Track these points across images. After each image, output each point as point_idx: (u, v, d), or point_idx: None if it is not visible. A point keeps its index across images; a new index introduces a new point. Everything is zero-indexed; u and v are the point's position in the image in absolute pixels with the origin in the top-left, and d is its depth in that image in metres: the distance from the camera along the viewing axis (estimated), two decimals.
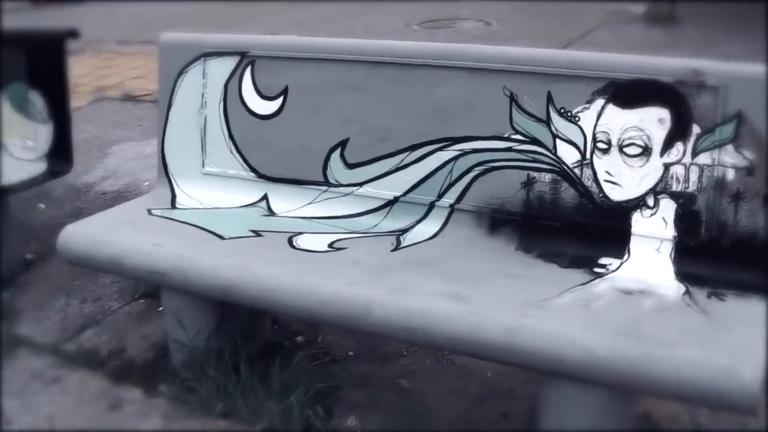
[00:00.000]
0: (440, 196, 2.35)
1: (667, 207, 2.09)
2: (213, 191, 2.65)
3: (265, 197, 2.59)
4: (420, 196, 2.38)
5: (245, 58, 2.57)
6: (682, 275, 2.04)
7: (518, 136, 2.22)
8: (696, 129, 2.03)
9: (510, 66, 2.21)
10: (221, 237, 2.35)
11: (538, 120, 2.19)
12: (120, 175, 4.10)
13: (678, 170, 2.06)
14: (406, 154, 2.37)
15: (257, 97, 2.57)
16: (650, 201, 2.10)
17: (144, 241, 2.33)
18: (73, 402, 2.38)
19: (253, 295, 2.12)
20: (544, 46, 2.41)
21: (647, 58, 2.10)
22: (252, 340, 2.49)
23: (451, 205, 2.34)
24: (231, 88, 2.60)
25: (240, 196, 2.61)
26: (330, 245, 2.28)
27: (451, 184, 2.33)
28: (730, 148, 2.00)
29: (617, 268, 2.10)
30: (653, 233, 2.10)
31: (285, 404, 2.22)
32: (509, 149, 2.24)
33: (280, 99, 2.54)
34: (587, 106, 2.13)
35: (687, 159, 2.05)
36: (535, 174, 2.22)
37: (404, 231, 2.36)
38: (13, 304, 2.88)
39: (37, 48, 2.95)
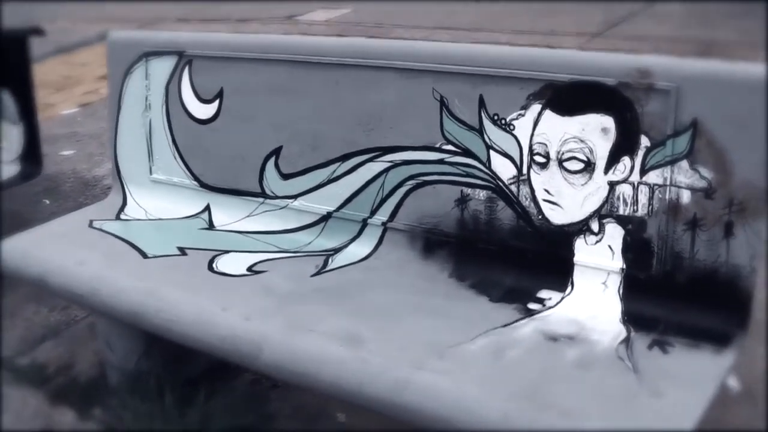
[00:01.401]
0: (373, 212, 2.05)
1: (614, 233, 1.72)
2: (160, 200, 2.45)
3: (207, 208, 2.37)
4: (353, 212, 2.09)
5: (183, 58, 2.33)
6: (629, 316, 1.68)
7: (450, 147, 1.90)
8: (645, 141, 1.65)
9: (438, 65, 1.87)
10: (145, 255, 2.15)
11: (470, 128, 1.85)
12: None
13: (625, 190, 1.69)
14: (337, 164, 2.09)
15: (196, 100, 2.33)
16: (594, 226, 1.74)
17: (69, 258, 2.14)
18: (8, 422, 2.25)
19: (157, 324, 1.91)
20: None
21: (587, 55, 1.73)
22: (189, 363, 2.29)
23: (384, 224, 2.04)
24: (172, 90, 2.38)
25: (184, 206, 2.40)
26: (249, 268, 2.03)
27: (384, 200, 2.03)
28: (684, 164, 1.61)
29: (556, 304, 1.76)
30: (599, 264, 1.74)
31: None
32: (441, 161, 1.92)
33: (216, 102, 2.29)
34: (522, 112, 1.78)
35: (635, 177, 1.67)
36: (469, 191, 1.89)
37: (336, 251, 2.09)
38: None
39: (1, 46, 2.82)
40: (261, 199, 2.25)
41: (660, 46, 4.76)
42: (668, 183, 1.62)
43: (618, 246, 1.71)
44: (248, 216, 2.28)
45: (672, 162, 1.61)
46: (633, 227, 1.69)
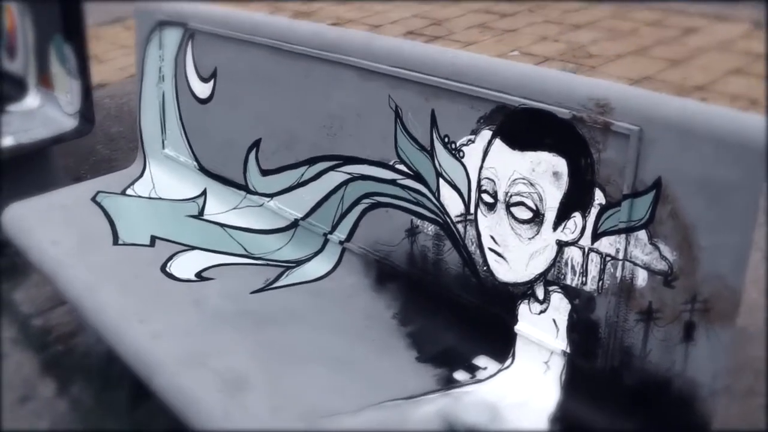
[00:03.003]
0: (334, 227, 1.78)
1: (560, 306, 1.33)
2: (168, 176, 2.31)
3: (204, 193, 2.19)
4: (317, 223, 1.82)
5: (187, 31, 2.14)
6: (562, 413, 1.30)
7: (402, 167, 1.57)
8: (599, 197, 1.24)
9: (392, 69, 1.53)
10: (116, 240, 2.02)
11: (422, 149, 1.51)
12: None
13: (574, 255, 1.29)
14: (305, 167, 1.82)
15: (196, 77, 2.14)
16: (540, 292, 1.36)
17: (48, 235, 2.06)
18: None
19: (90, 323, 1.79)
20: None
21: (546, 73, 1.31)
22: None
23: (342, 242, 1.76)
24: (179, 64, 2.20)
25: (186, 186, 2.23)
26: (198, 273, 1.84)
27: (343, 216, 1.74)
28: (642, 236, 1.19)
29: (487, 378, 1.41)
30: (541, 339, 1.36)
31: None
32: (394, 182, 1.59)
33: (212, 82, 2.09)
34: (472, 137, 1.41)
35: (586, 241, 1.27)
36: (419, 222, 1.56)
37: (297, 263, 1.83)
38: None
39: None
40: (244, 193, 2.04)
41: None
42: (622, 256, 1.21)
43: (563, 322, 1.32)
44: (234, 208, 2.08)
45: (628, 230, 1.19)
46: (580, 303, 1.29)
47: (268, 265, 1.86)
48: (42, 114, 3.03)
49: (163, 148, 2.33)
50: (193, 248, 1.95)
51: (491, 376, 1.40)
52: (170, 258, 1.90)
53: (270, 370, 1.47)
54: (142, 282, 1.82)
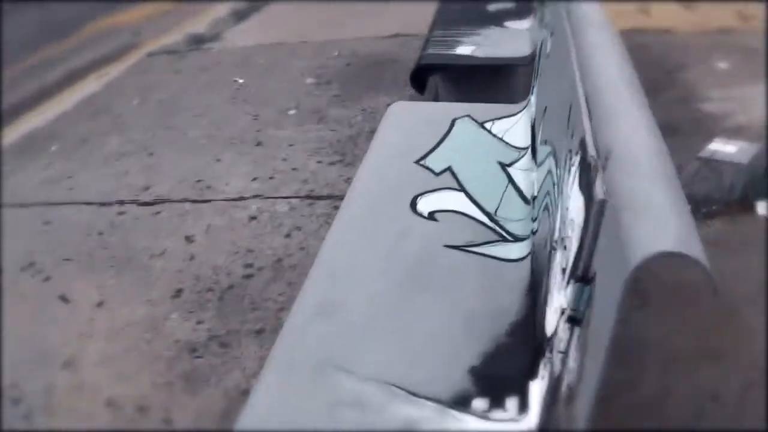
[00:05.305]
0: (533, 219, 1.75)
1: (544, 378, 1.19)
2: (525, 121, 2.45)
3: (528, 147, 2.28)
4: (537, 209, 1.81)
5: None
6: None
7: None
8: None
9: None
10: (421, 160, 2.28)
11: None
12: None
13: (561, 330, 1.13)
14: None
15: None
16: (547, 353, 1.23)
17: (390, 137, 2.44)
18: None
19: None
20: None
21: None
22: None
23: (533, 232, 1.73)
24: None
25: (524, 136, 2.36)
26: (431, 212, 2.00)
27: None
28: (576, 334, 1.01)
29: (483, 419, 1.34)
30: (533, 406, 1.24)
31: None
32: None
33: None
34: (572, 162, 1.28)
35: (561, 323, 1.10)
36: None
37: (516, 240, 1.86)
38: None
39: None
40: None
41: None
42: (564, 348, 1.05)
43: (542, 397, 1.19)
44: (530, 169, 2.15)
45: (572, 320, 1.03)
46: (551, 386, 1.15)
47: (493, 229, 1.91)
48: (521, 37, 3.33)
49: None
50: (462, 190, 2.10)
51: (487, 420, 1.33)
52: (430, 191, 2.09)
53: (362, 322, 1.62)
54: (386, 203, 2.07)
